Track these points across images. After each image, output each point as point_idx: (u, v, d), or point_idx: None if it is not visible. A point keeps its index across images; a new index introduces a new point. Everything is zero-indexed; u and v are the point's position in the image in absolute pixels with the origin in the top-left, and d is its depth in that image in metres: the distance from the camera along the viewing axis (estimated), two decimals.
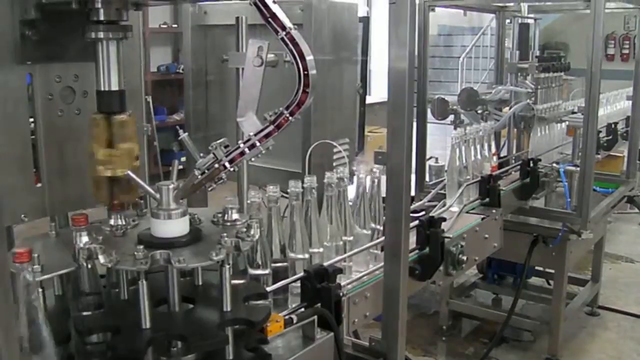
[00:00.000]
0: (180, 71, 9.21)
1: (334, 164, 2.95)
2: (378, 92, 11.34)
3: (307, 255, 2.09)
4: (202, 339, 1.50)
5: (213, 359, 1.58)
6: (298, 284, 2.00)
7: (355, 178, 2.52)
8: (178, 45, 9.56)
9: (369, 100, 10.15)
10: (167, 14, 9.28)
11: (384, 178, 2.09)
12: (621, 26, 13.13)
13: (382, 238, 2.25)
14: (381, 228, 2.41)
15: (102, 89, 1.68)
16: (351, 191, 2.43)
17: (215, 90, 3.47)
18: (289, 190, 1.99)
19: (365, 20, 10.10)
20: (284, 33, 1.62)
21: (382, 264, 2.19)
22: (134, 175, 1.55)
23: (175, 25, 9.11)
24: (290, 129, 2.04)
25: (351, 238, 2.28)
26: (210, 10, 3.34)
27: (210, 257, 1.47)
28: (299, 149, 2.92)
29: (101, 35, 1.67)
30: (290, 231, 2.05)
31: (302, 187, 2.06)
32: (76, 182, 1.97)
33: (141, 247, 1.47)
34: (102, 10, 1.65)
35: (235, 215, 1.73)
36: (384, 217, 2.22)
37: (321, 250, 2.15)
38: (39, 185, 1.89)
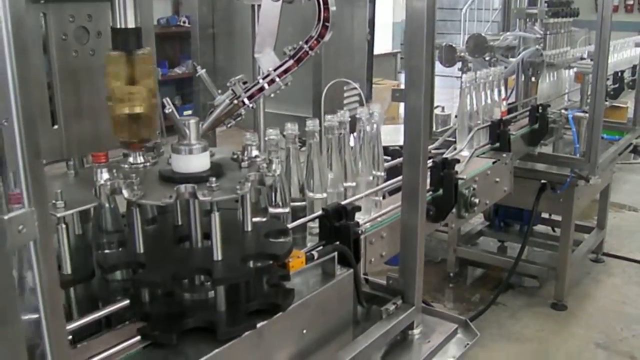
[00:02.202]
0: (181, 24, 9.11)
1: (345, 108, 2.94)
2: (381, 44, 11.24)
3: (325, 195, 2.09)
4: (226, 272, 1.50)
5: (237, 295, 1.59)
6: (316, 224, 2.01)
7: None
8: None
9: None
10: None
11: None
12: None
13: (399, 178, 2.25)
14: (382, 174, 2.40)
15: (118, 26, 1.65)
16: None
17: (222, 42, 3.43)
18: (306, 129, 1.98)
19: None
20: None
21: (394, 205, 2.21)
22: (169, 103, 1.53)
23: None
24: (298, 74, 2.03)
25: (382, 173, 2.29)
26: None
27: (235, 191, 1.47)
28: (309, 94, 2.91)
29: None
30: (308, 170, 2.05)
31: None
32: (92, 123, 1.95)
33: (164, 181, 1.47)
34: None
35: (255, 152, 1.72)
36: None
37: (341, 189, 2.16)
38: (55, 127, 1.88)
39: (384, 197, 2.49)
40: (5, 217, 0.82)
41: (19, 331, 0.93)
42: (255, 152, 1.73)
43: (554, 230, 4.91)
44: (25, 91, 0.83)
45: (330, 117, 2.09)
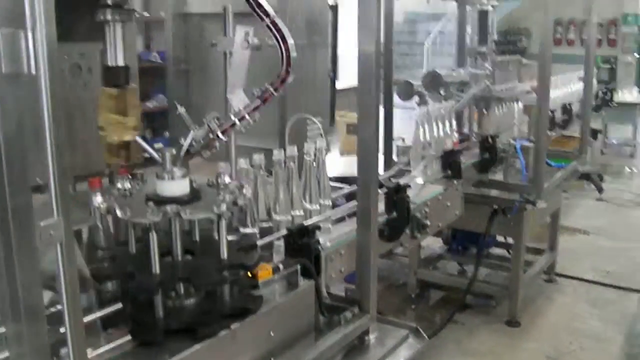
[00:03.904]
0: (152, 59, 9.37)
1: (308, 140, 3.23)
2: (348, 77, 11.60)
3: (289, 217, 2.37)
4: (205, 280, 1.77)
5: (213, 302, 1.85)
6: (282, 242, 2.28)
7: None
8: (149, 33, 9.70)
9: (337, 85, 10.43)
10: (137, 1, 9.39)
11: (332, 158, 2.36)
12: (581, 12, 13.53)
13: (354, 202, 2.53)
14: (329, 204, 2.66)
15: (111, 64, 1.93)
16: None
17: (197, 77, 3.69)
18: (273, 159, 2.26)
19: (334, 9, 10.36)
20: (268, 20, 1.89)
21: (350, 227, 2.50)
22: (141, 141, 1.81)
23: (147, 14, 9.25)
24: (265, 110, 2.31)
25: (329, 202, 2.56)
26: None
27: (213, 211, 1.74)
28: (275, 128, 3.19)
29: (109, 17, 1.92)
30: (275, 195, 2.32)
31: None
32: (82, 150, 2.21)
33: (151, 203, 1.74)
34: None
35: (227, 179, 1.99)
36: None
37: (301, 212, 2.43)
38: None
39: (343, 219, 2.77)
40: (42, 224, 1.09)
41: (43, 324, 1.19)
42: (227, 179, 2.00)
43: (509, 252, 5.20)
44: (57, 131, 1.10)
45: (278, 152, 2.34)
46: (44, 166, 1.11)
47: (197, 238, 2.02)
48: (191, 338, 1.74)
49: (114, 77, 1.94)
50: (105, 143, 1.90)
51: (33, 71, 1.09)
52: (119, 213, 1.71)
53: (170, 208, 1.72)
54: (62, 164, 1.13)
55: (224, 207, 1.75)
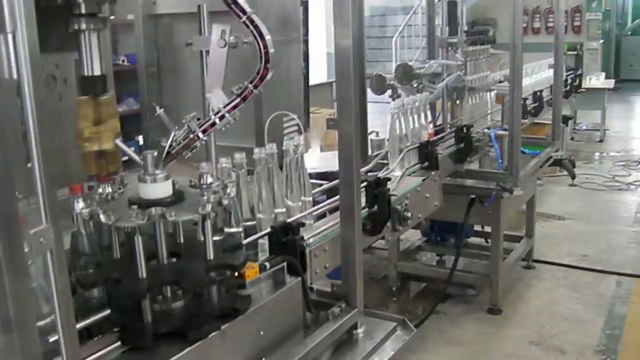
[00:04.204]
0: (121, 62, 9.28)
1: (284, 138, 3.22)
2: (316, 74, 11.61)
3: (272, 215, 2.35)
4: (193, 282, 1.75)
5: (201, 303, 1.84)
6: (265, 240, 2.27)
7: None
8: (116, 37, 9.60)
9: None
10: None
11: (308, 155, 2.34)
12: (545, 1, 13.69)
13: (336, 197, 2.53)
14: (309, 199, 2.65)
15: (87, 74, 1.90)
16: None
17: (169, 79, 3.64)
18: (254, 157, 2.25)
19: (305, 5, 10.33)
20: (245, 17, 1.88)
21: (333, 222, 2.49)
22: (122, 145, 1.78)
23: (112, 17, 9.15)
24: (241, 108, 2.30)
25: (310, 198, 2.55)
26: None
27: (197, 211, 1.73)
28: (251, 127, 3.16)
29: (83, 26, 1.90)
30: (258, 193, 2.31)
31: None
32: (60, 160, 2.18)
33: (135, 206, 1.72)
34: (83, 4, 1.87)
35: (209, 179, 1.97)
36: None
37: (284, 210, 2.42)
38: (29, 165, 2.10)
39: (324, 216, 2.77)
40: (32, 232, 1.07)
41: (35, 334, 1.17)
42: (210, 179, 1.98)
43: (486, 241, 5.25)
44: (44, 139, 1.08)
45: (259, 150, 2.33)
46: (32, 172, 1.09)
47: (182, 240, 2.00)
48: (182, 341, 1.72)
49: (90, 86, 1.91)
50: (83, 152, 1.87)
51: (15, 76, 1.07)
52: (102, 218, 1.68)
53: (155, 210, 1.70)
54: (49, 169, 1.11)
55: (209, 207, 1.74)
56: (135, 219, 1.67)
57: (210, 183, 1.95)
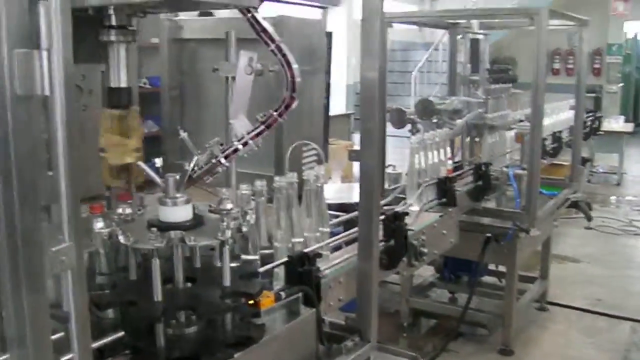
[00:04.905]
0: (142, 85, 9.36)
1: (303, 168, 3.21)
2: (335, 105, 11.64)
3: (290, 244, 2.34)
4: (209, 308, 1.73)
5: (215, 330, 1.81)
6: (281, 269, 2.24)
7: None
8: (140, 60, 9.69)
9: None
10: None
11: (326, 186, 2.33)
12: (565, 42, 13.73)
13: (354, 230, 2.52)
14: (327, 230, 2.63)
15: (114, 85, 1.91)
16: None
17: (191, 103, 3.66)
18: (274, 185, 2.24)
19: (329, 36, 10.40)
20: (274, 45, 1.88)
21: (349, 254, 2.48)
22: (144, 166, 1.78)
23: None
24: (262, 137, 2.29)
25: (328, 229, 2.53)
26: (185, 24, 3.56)
27: (217, 237, 1.71)
28: (270, 155, 3.16)
29: (113, 38, 1.90)
30: (275, 222, 2.30)
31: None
32: (83, 172, 2.16)
33: (155, 229, 1.71)
34: (114, 16, 1.88)
35: (229, 205, 1.97)
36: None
37: (301, 240, 2.40)
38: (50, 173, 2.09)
39: (340, 248, 2.74)
40: (53, 249, 1.05)
41: (49, 351, 1.16)
42: (229, 205, 1.97)
43: (500, 281, 5.19)
44: (71, 154, 1.08)
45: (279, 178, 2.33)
46: (55, 190, 1.08)
47: (199, 265, 1.99)
48: None
49: (116, 98, 1.92)
50: (106, 165, 1.87)
51: (47, 92, 1.07)
52: (121, 239, 1.67)
53: (174, 234, 1.68)
54: (75, 188, 1.10)
55: (228, 233, 1.73)
56: (154, 242, 1.66)
57: (230, 209, 1.94)
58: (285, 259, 2.21)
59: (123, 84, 1.92)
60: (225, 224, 1.77)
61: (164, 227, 1.77)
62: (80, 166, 2.12)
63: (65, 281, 1.12)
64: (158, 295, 1.72)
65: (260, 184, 2.18)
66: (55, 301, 1.38)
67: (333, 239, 2.57)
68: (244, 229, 1.82)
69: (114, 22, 1.91)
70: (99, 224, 1.77)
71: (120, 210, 1.92)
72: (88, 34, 1.96)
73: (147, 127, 8.38)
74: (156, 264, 1.69)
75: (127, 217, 1.88)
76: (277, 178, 2.24)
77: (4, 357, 1.24)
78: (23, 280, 1.09)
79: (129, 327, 1.73)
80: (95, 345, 1.66)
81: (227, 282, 1.82)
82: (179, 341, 1.75)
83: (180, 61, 3.66)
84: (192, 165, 1.90)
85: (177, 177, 1.82)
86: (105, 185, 1.96)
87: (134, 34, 1.97)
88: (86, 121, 2.10)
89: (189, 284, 1.89)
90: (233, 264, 1.99)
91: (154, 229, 1.70)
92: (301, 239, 2.38)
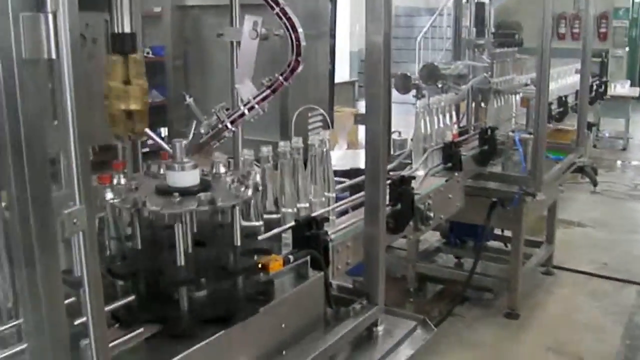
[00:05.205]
0: (146, 55, 9.32)
1: (309, 133, 3.21)
2: (339, 72, 11.59)
3: (295, 209, 2.35)
4: (235, 267, 1.76)
5: (228, 292, 1.83)
6: (288, 234, 2.26)
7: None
8: (143, 29, 9.63)
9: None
10: None
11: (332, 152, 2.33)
12: (571, 6, 13.56)
13: (360, 194, 2.52)
14: (333, 195, 2.63)
15: (117, 31, 1.89)
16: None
17: (195, 70, 3.64)
18: (279, 150, 2.24)
19: (333, 1, 10.29)
20: (279, 9, 1.87)
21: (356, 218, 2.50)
22: (151, 133, 1.78)
23: None
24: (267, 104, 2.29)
25: (334, 194, 2.54)
26: None
27: (238, 195, 1.71)
28: (275, 121, 3.16)
29: None
30: (281, 187, 2.30)
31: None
32: (87, 120, 2.16)
33: (177, 194, 1.71)
34: None
35: (222, 169, 1.94)
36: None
37: (307, 205, 2.41)
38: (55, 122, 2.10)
39: (346, 212, 2.75)
40: (65, 212, 1.06)
41: (63, 314, 1.17)
42: (223, 169, 1.95)
43: (506, 246, 5.21)
44: (80, 118, 1.08)
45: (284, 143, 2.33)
46: (66, 154, 1.09)
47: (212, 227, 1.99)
48: (218, 326, 1.71)
49: (120, 44, 1.89)
50: (111, 112, 1.86)
51: (53, 56, 1.07)
52: (148, 206, 1.66)
53: (204, 196, 1.67)
54: (85, 151, 1.10)
55: (249, 192, 1.72)
56: (182, 206, 1.66)
57: (230, 172, 1.94)
58: (293, 223, 2.22)
59: (126, 30, 1.89)
60: (236, 185, 1.77)
61: (175, 192, 1.77)
62: (85, 116, 2.14)
63: (77, 244, 1.13)
64: (181, 260, 1.72)
65: (266, 150, 2.18)
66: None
67: (339, 203, 2.58)
68: (260, 187, 1.81)
69: None
70: (109, 194, 1.77)
71: (115, 181, 1.90)
72: None
73: (151, 96, 8.36)
74: (179, 228, 1.68)
75: (132, 186, 1.87)
76: (281, 143, 2.24)
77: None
78: (35, 245, 1.10)
79: (152, 293, 1.74)
80: (109, 308, 1.68)
81: (237, 242, 1.83)
82: (203, 302, 1.76)
83: (183, 29, 3.64)
84: (199, 130, 1.90)
85: (184, 142, 1.82)
86: (113, 132, 1.93)
87: None
88: (90, 70, 2.08)
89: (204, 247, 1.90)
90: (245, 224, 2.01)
91: (176, 194, 1.70)
92: (307, 204, 2.39)
